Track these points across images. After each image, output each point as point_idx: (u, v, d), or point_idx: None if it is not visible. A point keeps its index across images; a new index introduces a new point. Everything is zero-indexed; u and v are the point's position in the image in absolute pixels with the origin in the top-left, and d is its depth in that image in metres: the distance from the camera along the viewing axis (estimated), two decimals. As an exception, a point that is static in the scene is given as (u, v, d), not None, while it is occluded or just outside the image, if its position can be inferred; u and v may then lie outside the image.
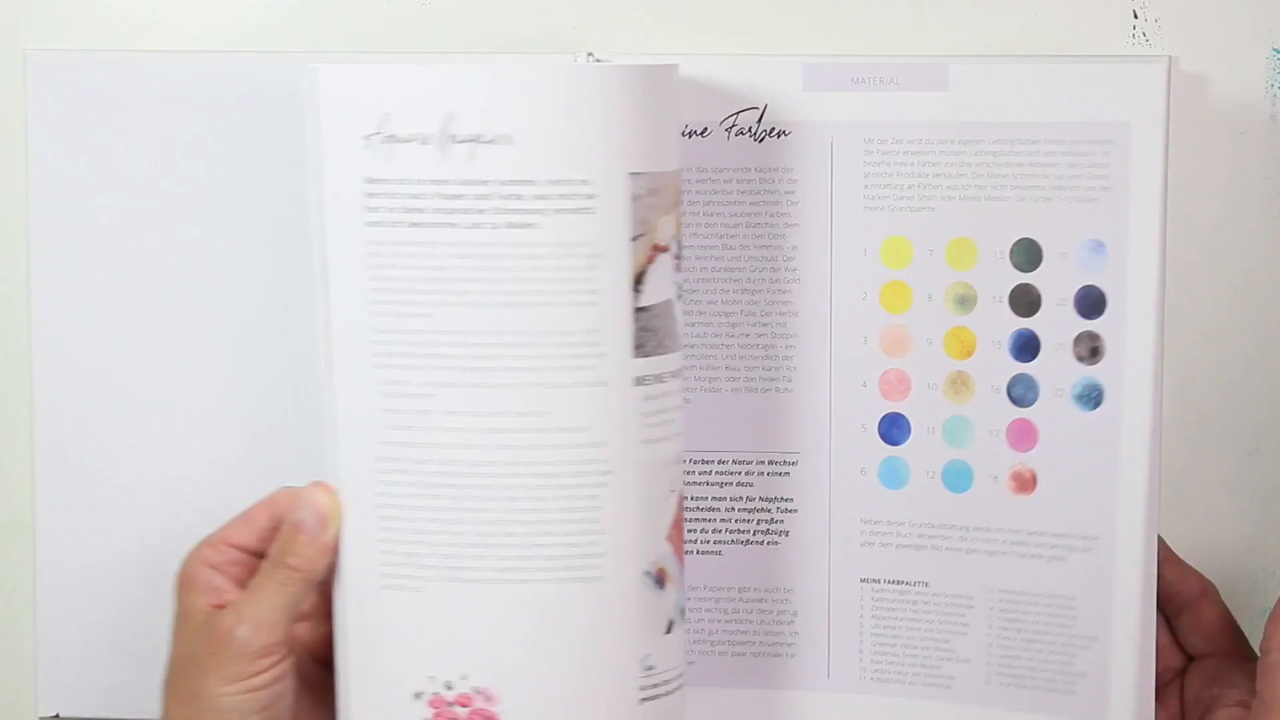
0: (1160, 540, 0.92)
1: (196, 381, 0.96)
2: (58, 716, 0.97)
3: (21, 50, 0.95)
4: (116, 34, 0.96)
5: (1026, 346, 0.92)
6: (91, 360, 0.96)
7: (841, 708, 0.94)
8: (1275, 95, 0.93)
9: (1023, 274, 0.92)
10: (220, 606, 0.86)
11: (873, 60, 0.92)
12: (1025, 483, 0.93)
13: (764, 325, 0.93)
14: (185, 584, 0.87)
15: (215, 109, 0.95)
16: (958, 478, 0.93)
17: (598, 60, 0.92)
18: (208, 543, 0.88)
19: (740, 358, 0.93)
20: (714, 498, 0.94)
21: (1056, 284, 0.92)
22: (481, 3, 0.95)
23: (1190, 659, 0.93)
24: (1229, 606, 0.93)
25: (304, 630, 0.90)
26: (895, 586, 0.94)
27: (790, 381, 0.93)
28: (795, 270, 0.93)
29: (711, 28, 0.94)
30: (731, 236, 0.93)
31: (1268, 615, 0.88)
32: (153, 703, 0.96)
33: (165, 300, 0.95)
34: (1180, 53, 0.93)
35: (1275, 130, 0.93)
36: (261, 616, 0.85)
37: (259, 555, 0.87)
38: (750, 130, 0.92)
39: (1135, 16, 0.93)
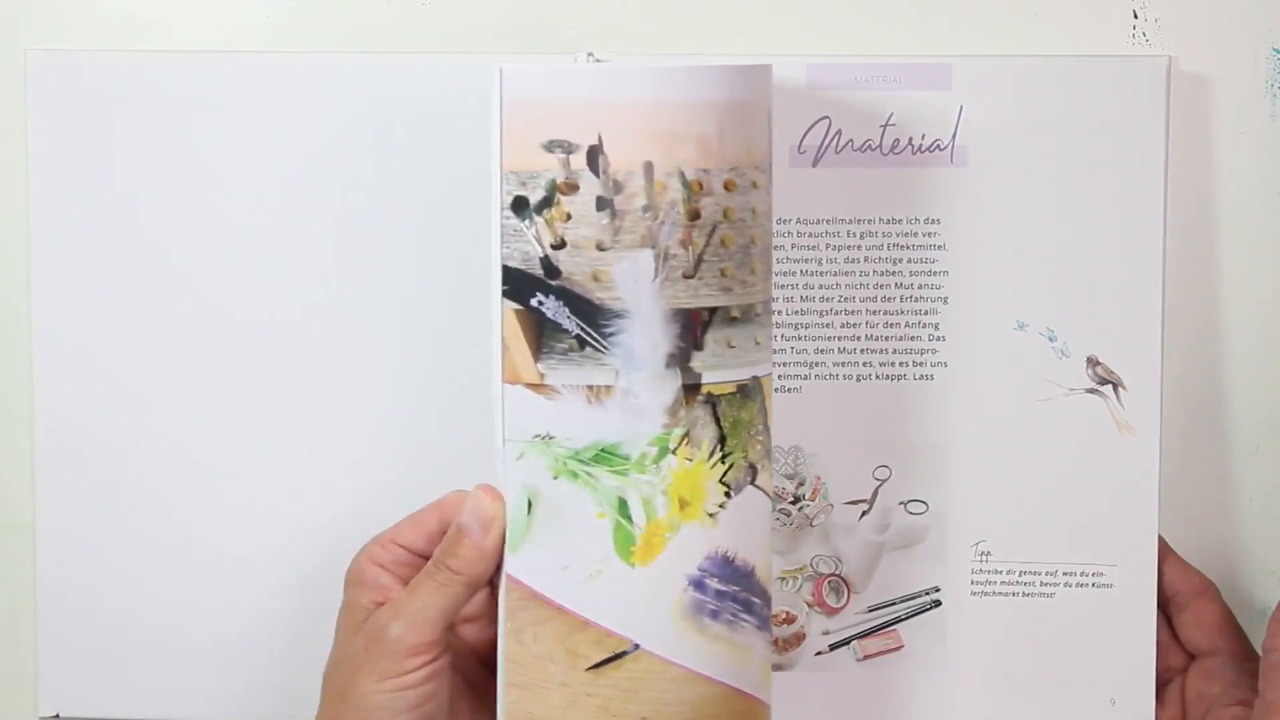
0: (1160, 539, 0.93)
1: (196, 381, 0.95)
2: (58, 716, 0.97)
3: (21, 50, 0.95)
4: (116, 34, 0.96)
5: None
6: (92, 360, 0.96)
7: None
8: (1275, 95, 0.93)
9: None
10: (382, 604, 0.86)
11: (876, 60, 0.92)
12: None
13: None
14: (352, 580, 0.87)
15: (215, 109, 0.94)
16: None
17: (598, 60, 0.92)
18: (377, 541, 0.88)
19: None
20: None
21: None
22: (481, 3, 0.95)
23: (1191, 658, 0.93)
24: (1229, 606, 0.93)
25: (470, 631, 0.90)
26: None
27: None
28: None
29: (713, 28, 0.95)
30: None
31: (1268, 615, 0.88)
32: (152, 703, 0.96)
33: (165, 300, 0.95)
34: (1180, 53, 0.93)
35: (1275, 130, 0.94)
36: (417, 615, 0.84)
37: (426, 557, 0.87)
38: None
39: (1135, 16, 0.94)
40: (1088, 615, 0.94)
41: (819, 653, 0.96)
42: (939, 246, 0.93)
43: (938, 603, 0.95)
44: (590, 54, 0.92)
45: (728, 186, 0.83)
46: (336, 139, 0.94)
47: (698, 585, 0.85)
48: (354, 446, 0.95)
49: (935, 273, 0.93)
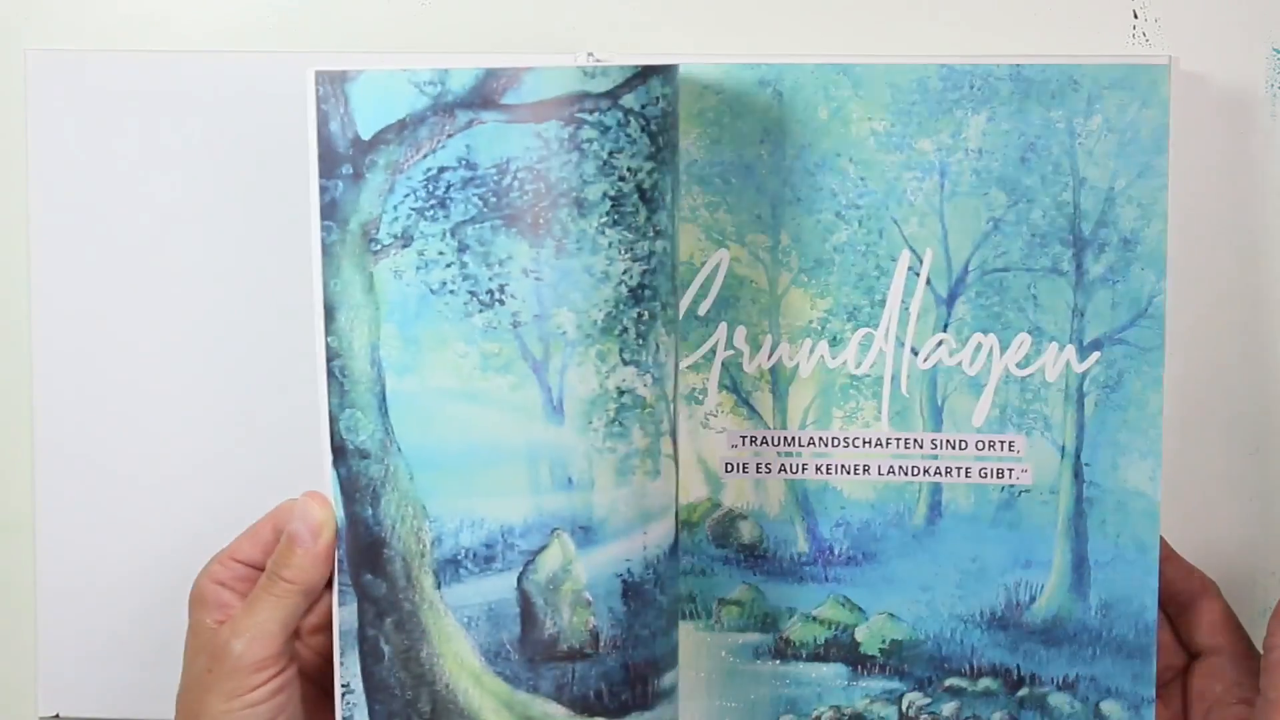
0: (1161, 539, 0.92)
1: (196, 381, 0.95)
2: (58, 716, 0.97)
3: (21, 50, 0.95)
4: (116, 34, 0.96)
5: None
6: (92, 360, 0.96)
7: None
8: (1275, 95, 0.93)
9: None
10: (224, 623, 0.86)
11: (874, 61, 0.92)
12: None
13: None
14: (195, 602, 0.87)
15: (215, 109, 0.95)
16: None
17: (597, 60, 0.92)
18: (217, 559, 0.87)
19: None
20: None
21: None
22: (481, 2, 0.95)
23: (1193, 657, 0.93)
24: (1230, 605, 0.93)
25: (318, 642, 0.89)
26: None
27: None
28: None
29: (711, 28, 0.95)
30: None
31: (1269, 614, 0.88)
32: (152, 703, 0.96)
33: (165, 300, 0.95)
34: (1180, 53, 0.93)
35: (1275, 130, 0.94)
36: (257, 630, 0.84)
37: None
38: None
39: (1135, 16, 0.94)
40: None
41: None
42: (941, 246, 0.94)
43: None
44: (590, 54, 0.92)
45: None
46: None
47: None
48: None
49: (937, 272, 0.94)
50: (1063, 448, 0.92)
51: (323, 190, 0.84)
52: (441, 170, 0.83)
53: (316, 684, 0.89)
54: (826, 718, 0.93)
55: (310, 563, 0.85)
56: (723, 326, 0.92)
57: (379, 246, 0.84)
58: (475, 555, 0.85)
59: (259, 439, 0.96)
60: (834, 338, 0.92)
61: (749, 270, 0.92)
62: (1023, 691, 0.93)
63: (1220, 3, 0.93)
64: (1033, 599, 0.92)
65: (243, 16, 0.96)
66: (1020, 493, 0.92)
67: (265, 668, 0.84)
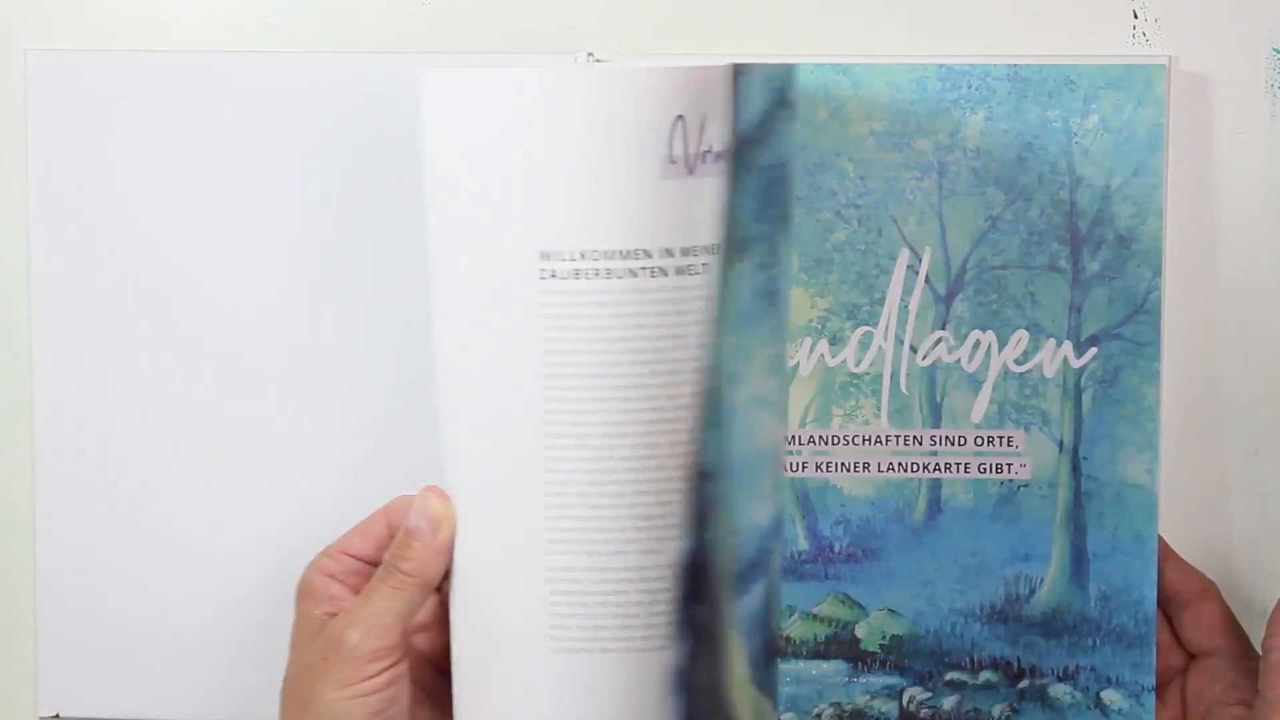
0: (1160, 539, 0.92)
1: (196, 381, 0.95)
2: (58, 716, 0.97)
3: (21, 50, 0.95)
4: (116, 34, 0.96)
5: None
6: (92, 360, 0.96)
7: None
8: (1275, 95, 0.93)
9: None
10: (335, 615, 0.86)
11: (873, 61, 0.92)
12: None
13: None
14: (304, 593, 0.88)
15: (215, 109, 0.94)
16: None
17: (598, 60, 0.92)
18: (326, 553, 0.88)
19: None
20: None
21: None
22: (481, 2, 0.95)
23: (1192, 657, 0.92)
24: (1229, 606, 0.93)
25: (423, 640, 0.89)
26: None
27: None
28: None
29: (712, 28, 0.95)
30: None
31: (1268, 615, 0.88)
32: (152, 703, 0.96)
33: (165, 300, 0.95)
34: (1180, 53, 0.93)
35: (1275, 130, 0.94)
36: (373, 620, 0.84)
37: (377, 564, 0.87)
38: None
39: (1135, 16, 0.94)
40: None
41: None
42: (942, 245, 0.94)
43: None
44: (590, 54, 0.92)
45: None
46: (336, 139, 0.94)
47: None
48: (358, 446, 0.95)
49: (938, 271, 0.94)
50: (1061, 442, 0.92)
51: None
52: (779, 169, 0.83)
53: (419, 684, 0.89)
54: (827, 715, 0.93)
55: (429, 556, 0.85)
56: (724, 326, 0.92)
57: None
58: (756, 563, 0.85)
59: (260, 438, 0.96)
60: (834, 336, 0.92)
61: (749, 269, 0.92)
62: (1023, 683, 0.93)
63: (1220, 3, 0.93)
64: (1032, 592, 0.93)
65: (243, 16, 0.96)
66: (1019, 487, 0.93)
67: (380, 659, 0.84)
